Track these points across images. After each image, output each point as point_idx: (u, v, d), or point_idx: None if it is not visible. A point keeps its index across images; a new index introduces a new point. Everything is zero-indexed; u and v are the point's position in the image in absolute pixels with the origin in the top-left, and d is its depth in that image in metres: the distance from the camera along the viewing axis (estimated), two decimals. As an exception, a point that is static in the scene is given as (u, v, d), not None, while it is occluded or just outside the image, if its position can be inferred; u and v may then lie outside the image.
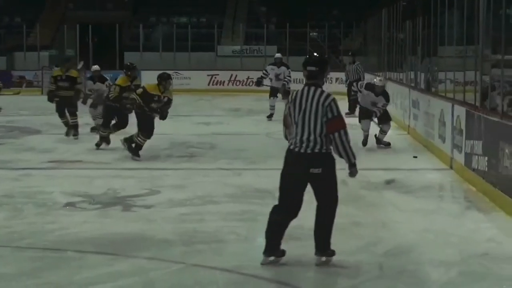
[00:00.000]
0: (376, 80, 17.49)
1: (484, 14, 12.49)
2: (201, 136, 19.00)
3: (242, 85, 37.41)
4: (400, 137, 18.24)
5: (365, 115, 16.85)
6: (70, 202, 11.01)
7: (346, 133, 7.30)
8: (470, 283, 7.32)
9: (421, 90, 19.02)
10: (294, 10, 42.54)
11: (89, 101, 18.77)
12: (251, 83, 35.69)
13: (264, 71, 23.77)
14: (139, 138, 14.61)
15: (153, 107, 14.65)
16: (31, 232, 9.23)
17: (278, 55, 24.64)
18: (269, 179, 12.68)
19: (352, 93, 16.99)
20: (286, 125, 7.62)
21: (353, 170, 7.41)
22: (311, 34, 41.50)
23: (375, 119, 16.96)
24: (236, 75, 38.05)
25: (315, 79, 7.44)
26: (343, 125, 7.32)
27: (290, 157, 7.46)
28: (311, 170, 7.28)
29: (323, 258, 7.56)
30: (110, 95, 15.89)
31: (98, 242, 8.72)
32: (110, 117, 15.88)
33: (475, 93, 12.99)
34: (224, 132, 18.82)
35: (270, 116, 22.76)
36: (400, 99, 21.13)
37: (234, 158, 15.32)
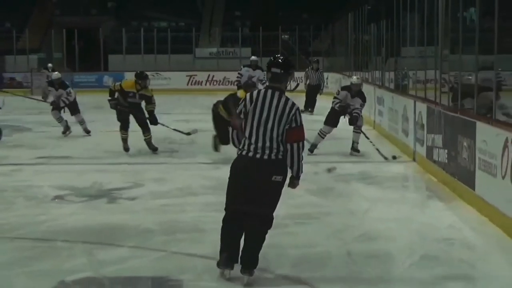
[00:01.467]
0: (353, 79, 15.57)
1: (443, 16, 12.55)
2: (180, 133, 18.97)
3: (219, 84, 37.36)
4: (366, 132, 18.29)
5: (332, 122, 15.13)
6: (59, 195, 10.99)
7: (303, 145, 6.69)
8: (432, 267, 7.35)
9: (385, 88, 19.12)
10: (266, 14, 42.57)
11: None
12: (227, 83, 35.83)
13: (238, 74, 23.04)
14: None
15: (129, 102, 14.68)
16: (22, 224, 9.19)
17: (253, 57, 23.96)
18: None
19: (336, 101, 15.11)
20: (235, 126, 6.77)
21: (296, 182, 6.72)
22: (282, 36, 41.57)
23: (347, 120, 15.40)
24: (213, 76, 38.03)
25: (278, 82, 6.69)
26: (303, 136, 6.70)
27: (244, 163, 6.63)
28: (273, 178, 6.54)
29: (247, 276, 6.66)
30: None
31: (85, 232, 8.71)
32: (127, 119, 15.10)
33: (435, 90, 13.06)
34: (203, 128, 18.69)
35: None
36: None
37: (212, 153, 15.29)
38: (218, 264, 6.72)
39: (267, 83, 6.79)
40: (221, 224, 9.07)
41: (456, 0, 11.73)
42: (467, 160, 10.00)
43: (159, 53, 40.86)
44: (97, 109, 25.76)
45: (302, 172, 6.68)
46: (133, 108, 14.71)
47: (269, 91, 6.59)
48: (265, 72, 20.04)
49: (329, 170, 12.58)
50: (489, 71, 10.20)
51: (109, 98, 14.78)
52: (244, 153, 6.58)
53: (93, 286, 6.70)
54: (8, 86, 37.99)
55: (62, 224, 9.20)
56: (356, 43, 27.72)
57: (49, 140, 17.72)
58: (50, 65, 38.48)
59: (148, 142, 15.03)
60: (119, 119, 14.88)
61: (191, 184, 11.81)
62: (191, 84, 38.60)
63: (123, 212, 9.93)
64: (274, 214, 9.59)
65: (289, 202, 10.36)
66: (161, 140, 17.19)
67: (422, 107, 13.45)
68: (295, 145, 6.51)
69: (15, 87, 37.85)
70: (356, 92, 15.00)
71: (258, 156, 6.49)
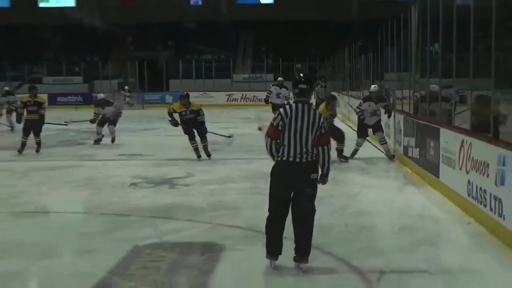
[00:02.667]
0: (371, 87, 14.10)
1: (415, 50, 12.50)
2: (222, 136, 18.99)
3: (250, 101, 37.32)
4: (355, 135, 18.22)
5: (364, 133, 13.74)
6: (134, 182, 11.05)
7: (330, 148, 6.14)
8: (408, 235, 7.33)
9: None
10: (285, 49, 42.52)
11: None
12: (256, 100, 35.79)
13: (268, 91, 21.14)
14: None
15: (186, 118, 13.73)
16: (107, 203, 9.27)
17: (280, 78, 21.69)
18: (269, 165, 12.73)
19: (358, 112, 13.74)
20: (274, 136, 6.00)
21: (325, 179, 6.16)
22: (296, 65, 41.52)
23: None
24: (246, 94, 38.06)
25: (305, 96, 6.07)
26: (330, 140, 6.16)
27: (286, 167, 5.96)
28: (311, 176, 5.94)
29: (304, 263, 6.01)
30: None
31: (152, 210, 8.75)
32: (191, 131, 13.88)
33: (409, 104, 13.03)
34: (238, 133, 18.73)
35: None
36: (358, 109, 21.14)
37: (245, 151, 15.31)
38: (267, 255, 6.05)
39: (295, 98, 6.11)
40: (253, 203, 9.15)
41: (424, 37, 11.68)
42: (433, 156, 9.94)
43: (206, 78, 40.93)
44: (160, 119, 25.76)
45: (330, 170, 6.15)
46: (190, 122, 13.83)
47: (300, 105, 5.97)
48: (290, 90, 19.22)
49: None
50: (451, 88, 10.17)
51: (169, 119, 13.94)
52: (284, 158, 5.93)
53: (158, 249, 6.71)
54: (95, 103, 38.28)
55: (135, 203, 9.26)
56: (351, 70, 27.63)
57: (126, 141, 17.81)
58: (126, 87, 38.87)
59: (205, 148, 14.04)
60: (185, 133, 13.94)
61: (230, 174, 11.80)
62: (230, 101, 38.56)
63: (180, 195, 9.95)
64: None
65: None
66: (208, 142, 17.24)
67: (400, 117, 13.37)
68: (325, 148, 5.98)
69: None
70: (377, 98, 13.65)
71: (297, 160, 5.89)
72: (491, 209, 7.05)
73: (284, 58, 40.77)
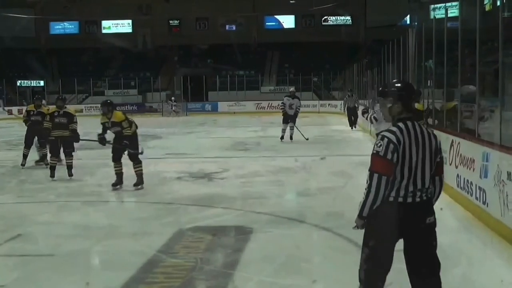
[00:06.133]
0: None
1: (412, 65, 12.42)
2: (252, 138, 19.02)
3: (275, 109, 37.18)
4: (366, 136, 18.13)
5: None
6: (179, 176, 11.09)
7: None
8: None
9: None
10: (303, 66, 42.47)
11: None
12: (279, 108, 35.75)
13: (281, 103, 17.60)
14: None
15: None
16: (156, 194, 9.33)
17: (292, 89, 18.69)
18: (289, 162, 12.74)
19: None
20: (387, 172, 3.51)
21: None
22: (313, 79, 41.45)
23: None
24: (272, 103, 37.94)
25: (411, 111, 3.64)
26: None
27: (403, 210, 3.55)
28: (427, 220, 3.62)
29: None
30: None
31: (194, 199, 8.78)
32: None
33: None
34: (265, 135, 18.75)
35: (282, 138, 17.11)
36: (366, 114, 20.96)
37: (270, 150, 15.30)
38: None
39: (399, 115, 3.60)
40: (277, 193, 9.12)
41: (420, 55, 11.58)
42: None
43: (238, 90, 41.13)
44: (200, 124, 25.88)
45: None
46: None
47: (410, 124, 3.57)
48: (301, 101, 17.84)
49: (322, 158, 12.76)
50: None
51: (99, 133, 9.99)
52: (401, 200, 3.55)
53: (199, 231, 6.71)
54: (148, 110, 38.72)
55: (180, 194, 9.28)
56: (359, 82, 27.50)
57: (173, 143, 17.91)
58: (173, 98, 39.11)
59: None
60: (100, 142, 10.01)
61: (258, 169, 11.77)
62: (258, 109, 38.53)
63: (217, 187, 9.96)
64: (307, 186, 9.48)
65: (317, 179, 10.37)
66: (239, 143, 17.29)
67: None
68: (442, 176, 3.76)
69: (152, 111, 38.55)
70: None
71: (414, 200, 3.56)
72: (476, 198, 6.97)
73: (303, 73, 40.75)
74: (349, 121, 22.36)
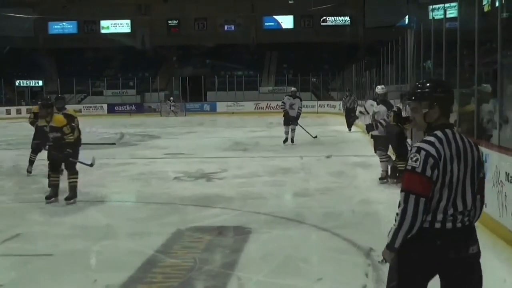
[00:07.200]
0: (378, 88, 10.54)
1: (411, 65, 12.42)
2: (250, 138, 19.01)
3: (274, 109, 37.30)
4: (366, 137, 18.12)
5: (381, 144, 10.16)
6: (177, 176, 11.08)
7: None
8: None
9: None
10: (303, 66, 42.50)
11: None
12: (278, 108, 35.67)
13: (282, 102, 16.79)
14: None
15: None
16: (155, 194, 9.32)
17: (293, 88, 17.44)
18: (288, 162, 12.74)
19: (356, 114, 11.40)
20: (426, 192, 2.79)
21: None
22: (312, 79, 41.46)
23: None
24: (270, 103, 38.04)
25: (448, 116, 2.97)
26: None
27: (441, 238, 2.80)
28: (471, 250, 2.86)
29: None
30: None
31: (193, 199, 8.77)
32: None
33: (406, 112, 12.88)
34: (264, 136, 18.74)
35: (285, 141, 16.40)
36: (366, 114, 20.94)
37: (269, 150, 15.29)
38: None
39: (436, 122, 2.88)
40: (275, 193, 9.11)
41: (418, 55, 11.59)
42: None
43: (237, 90, 41.18)
44: (199, 124, 25.89)
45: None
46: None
47: (449, 132, 2.88)
48: (302, 101, 16.97)
49: (328, 157, 12.87)
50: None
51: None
52: (439, 226, 2.81)
53: (197, 232, 6.70)
54: (147, 111, 38.75)
55: (178, 194, 9.27)
56: (357, 82, 27.52)
57: (171, 143, 17.90)
58: (171, 98, 39.20)
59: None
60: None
61: (257, 169, 11.77)
62: (257, 109, 38.61)
63: (215, 187, 9.94)
64: (306, 186, 9.43)
65: (316, 180, 10.37)
66: (238, 143, 17.28)
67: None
68: (483, 195, 2.99)
69: (150, 111, 38.59)
70: (381, 100, 10.18)
71: (459, 224, 2.84)
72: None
73: (302, 73, 40.78)
74: (347, 122, 22.35)
